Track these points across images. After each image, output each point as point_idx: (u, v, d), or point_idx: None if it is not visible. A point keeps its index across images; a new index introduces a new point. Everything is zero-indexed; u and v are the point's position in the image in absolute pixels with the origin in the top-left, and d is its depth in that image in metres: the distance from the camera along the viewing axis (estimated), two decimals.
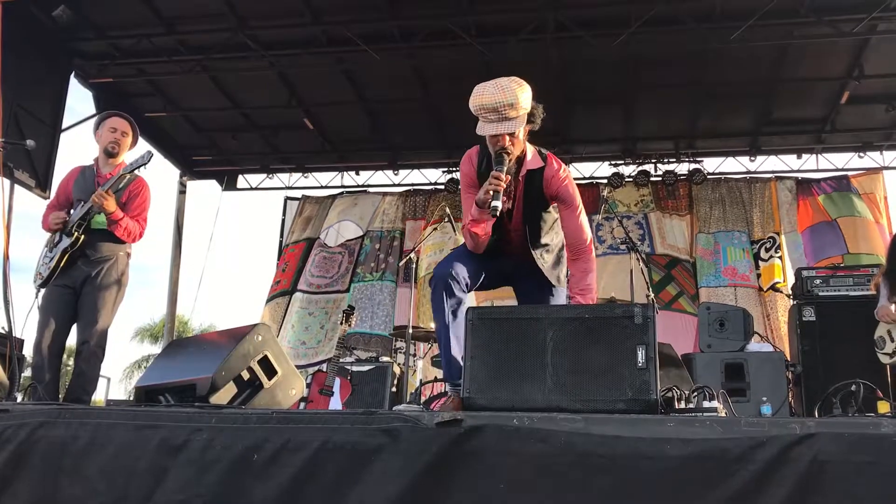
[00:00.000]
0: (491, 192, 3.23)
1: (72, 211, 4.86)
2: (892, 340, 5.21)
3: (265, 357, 4.18)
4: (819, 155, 10.74)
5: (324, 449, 2.82)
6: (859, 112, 9.74)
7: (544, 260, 3.58)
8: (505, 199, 3.33)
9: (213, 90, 9.71)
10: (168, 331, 12.04)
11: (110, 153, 4.93)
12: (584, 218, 3.59)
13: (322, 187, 12.01)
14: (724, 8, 7.91)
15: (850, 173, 10.54)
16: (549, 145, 11.48)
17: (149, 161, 4.68)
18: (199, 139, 11.17)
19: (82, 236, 4.70)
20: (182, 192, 11.87)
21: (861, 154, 10.56)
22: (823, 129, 10.24)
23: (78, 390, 4.63)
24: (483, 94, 3.24)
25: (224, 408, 3.28)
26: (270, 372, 4.21)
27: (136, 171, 4.79)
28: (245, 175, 12.19)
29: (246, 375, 4.10)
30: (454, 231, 10.20)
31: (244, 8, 8.30)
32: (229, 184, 12.04)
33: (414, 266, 6.93)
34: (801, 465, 2.41)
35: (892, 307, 5.27)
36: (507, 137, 3.29)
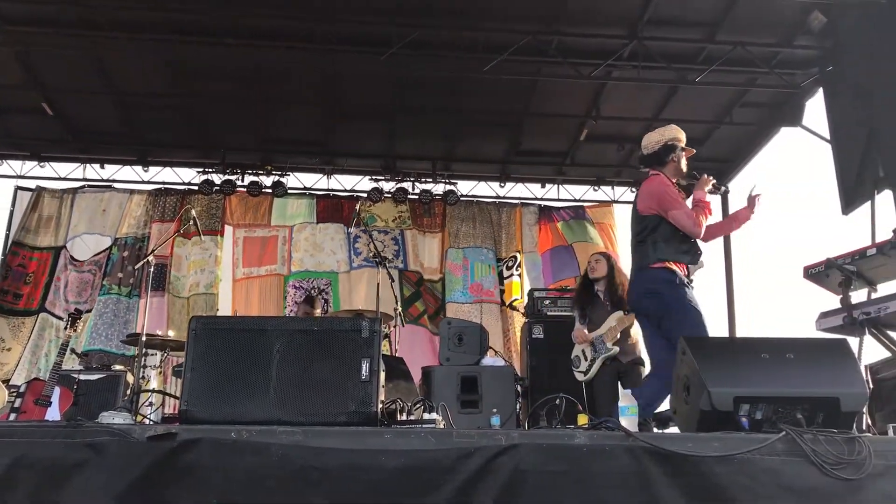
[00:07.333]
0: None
1: None
2: (587, 359, 5.84)
3: None
4: (560, 186, 11.64)
5: (18, 465, 2.58)
6: (595, 149, 10.64)
7: None
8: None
9: None
10: None
11: None
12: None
13: (61, 179, 10.99)
14: (482, 39, 8.34)
15: (585, 204, 11.55)
16: (311, 155, 11.45)
17: None
18: None
19: None
20: None
21: (595, 188, 11.59)
22: (564, 163, 11.10)
23: None
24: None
25: None
26: None
27: None
28: None
29: None
30: (205, 240, 9.84)
31: None
32: None
33: (152, 270, 6.48)
34: (504, 475, 2.58)
35: (585, 330, 5.89)
36: None
